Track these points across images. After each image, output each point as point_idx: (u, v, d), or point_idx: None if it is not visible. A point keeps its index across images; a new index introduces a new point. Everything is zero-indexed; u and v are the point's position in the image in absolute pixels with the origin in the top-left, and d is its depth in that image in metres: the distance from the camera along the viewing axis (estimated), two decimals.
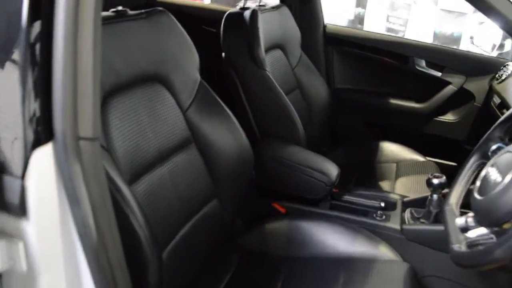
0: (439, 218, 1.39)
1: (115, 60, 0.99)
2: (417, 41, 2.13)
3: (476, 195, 0.89)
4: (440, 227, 1.33)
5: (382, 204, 1.51)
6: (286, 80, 1.83)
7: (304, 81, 1.94)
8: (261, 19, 1.62)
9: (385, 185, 1.79)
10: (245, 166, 1.31)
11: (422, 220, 1.41)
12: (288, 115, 1.61)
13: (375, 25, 5.05)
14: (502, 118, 1.07)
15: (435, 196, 1.37)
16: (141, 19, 1.11)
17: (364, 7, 5.54)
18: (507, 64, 1.89)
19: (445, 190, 1.34)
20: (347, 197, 1.53)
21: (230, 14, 1.63)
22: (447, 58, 2.07)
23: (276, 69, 1.76)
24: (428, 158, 1.99)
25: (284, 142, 1.60)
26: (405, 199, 1.54)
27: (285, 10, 1.90)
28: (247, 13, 1.61)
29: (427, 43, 2.42)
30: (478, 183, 0.93)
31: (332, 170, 1.50)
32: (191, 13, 2.27)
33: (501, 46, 2.06)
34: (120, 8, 1.07)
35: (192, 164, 1.20)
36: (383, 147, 2.05)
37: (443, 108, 2.10)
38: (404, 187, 1.74)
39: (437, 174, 1.37)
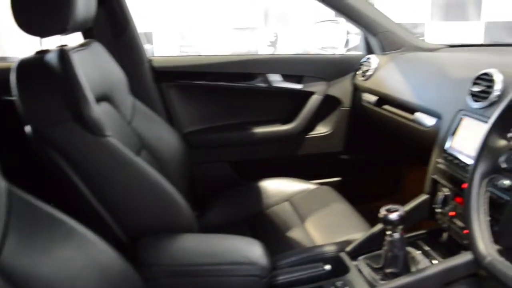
0: (407, 261, 1.05)
1: None
2: (264, 55, 1.83)
3: None
4: (420, 274, 1.00)
5: (327, 267, 1.11)
6: (127, 141, 1.29)
7: (148, 136, 1.43)
8: (75, 62, 1.06)
9: (295, 235, 1.39)
10: None
11: (388, 270, 1.05)
12: (162, 192, 1.08)
13: None
14: (498, 113, 0.76)
15: (396, 236, 1.02)
16: None
17: (151, 42, 5.21)
18: (368, 58, 1.71)
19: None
20: (283, 278, 1.08)
21: (23, 63, 1.02)
22: (302, 66, 1.82)
23: (111, 130, 1.21)
24: (316, 181, 1.70)
25: (171, 237, 1.05)
26: (347, 249, 1.17)
27: (98, 47, 1.35)
28: (51, 57, 1.03)
29: (276, 54, 2.16)
30: None
31: (257, 250, 1.03)
32: None
33: (347, 42, 1.89)
34: None
35: None
36: (265, 187, 1.67)
37: (313, 122, 1.84)
38: (321, 230, 1.38)
39: (391, 207, 1.02)
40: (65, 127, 0.99)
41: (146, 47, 1.74)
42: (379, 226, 1.16)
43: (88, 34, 1.52)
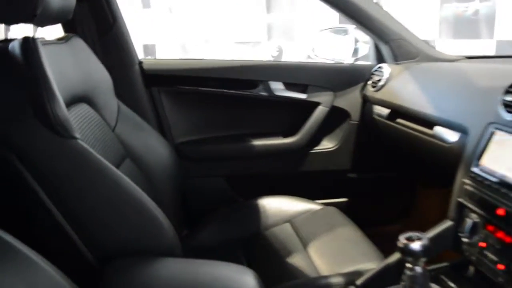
0: None
1: None
2: (267, 61, 1.70)
3: None
4: None
5: None
6: (108, 148, 1.15)
7: (134, 144, 1.29)
8: (46, 55, 0.91)
9: (297, 262, 1.23)
10: None
11: None
12: (140, 206, 0.92)
13: None
14: None
15: (418, 270, 0.86)
16: None
17: (154, 54, 5.14)
18: (380, 67, 1.57)
19: None
20: None
21: None
22: (307, 75, 1.67)
23: (88, 135, 1.06)
24: (321, 201, 1.55)
25: (148, 261, 0.89)
26: (358, 282, 1.01)
27: (79, 43, 1.21)
28: (15, 46, 0.88)
29: (280, 61, 2.03)
30: None
31: (250, 281, 0.87)
32: None
33: (355, 51, 1.76)
34: None
35: None
36: (264, 206, 1.51)
37: (318, 136, 1.70)
38: (326, 257, 1.22)
39: (412, 235, 0.86)
40: (25, 124, 0.84)
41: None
42: (396, 257, 1.00)
43: (70, 29, 1.38)
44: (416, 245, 0.84)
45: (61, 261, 0.70)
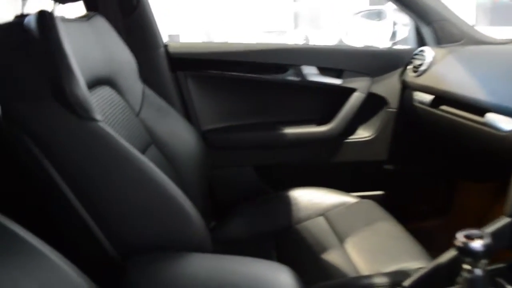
0: None
1: None
2: (299, 45, 1.62)
3: None
4: None
5: None
6: (132, 134, 1.08)
7: (159, 130, 1.22)
8: (66, 33, 0.84)
9: (333, 259, 1.14)
10: None
11: None
12: (166, 196, 0.85)
13: None
14: None
15: (478, 272, 0.76)
16: None
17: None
18: (421, 51, 1.47)
19: None
20: None
21: None
22: (342, 59, 1.58)
23: (111, 119, 0.99)
24: (357, 194, 1.46)
25: (174, 257, 0.81)
26: (405, 283, 0.91)
27: (102, 22, 1.14)
28: (30, 20, 0.81)
29: (313, 45, 1.95)
30: None
31: (285, 279, 0.79)
32: None
33: (393, 34, 1.65)
34: None
35: None
36: (296, 198, 1.42)
37: (353, 124, 1.61)
38: (365, 254, 1.13)
39: (471, 232, 0.76)
40: (41, 104, 0.77)
41: None
42: (448, 256, 0.90)
43: (92, 7, 1.32)
44: (477, 244, 0.74)
45: (79, 256, 0.64)
